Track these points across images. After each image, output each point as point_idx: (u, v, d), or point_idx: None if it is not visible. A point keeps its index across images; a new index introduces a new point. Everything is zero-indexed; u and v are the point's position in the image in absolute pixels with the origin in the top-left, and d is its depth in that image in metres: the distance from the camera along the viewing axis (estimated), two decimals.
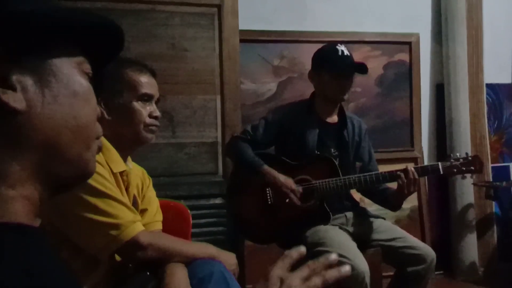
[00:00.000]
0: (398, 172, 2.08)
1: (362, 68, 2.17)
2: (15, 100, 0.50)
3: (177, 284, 1.35)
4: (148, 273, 1.42)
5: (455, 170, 2.16)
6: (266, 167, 2.13)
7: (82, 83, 0.57)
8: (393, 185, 2.17)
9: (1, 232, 0.47)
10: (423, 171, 2.23)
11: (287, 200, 2.12)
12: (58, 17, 0.54)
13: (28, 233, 0.49)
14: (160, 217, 1.65)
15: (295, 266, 0.75)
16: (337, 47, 2.16)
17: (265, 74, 3.07)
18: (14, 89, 0.50)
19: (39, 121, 0.51)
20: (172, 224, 1.81)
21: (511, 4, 3.53)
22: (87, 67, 0.59)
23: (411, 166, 2.11)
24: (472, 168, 2.16)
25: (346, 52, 2.15)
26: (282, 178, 2.12)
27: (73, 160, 0.55)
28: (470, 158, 2.17)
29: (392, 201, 2.22)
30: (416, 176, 2.07)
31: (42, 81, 0.52)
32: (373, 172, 2.16)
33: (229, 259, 1.52)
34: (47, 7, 0.54)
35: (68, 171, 0.56)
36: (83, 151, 0.56)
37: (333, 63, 2.13)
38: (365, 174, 2.15)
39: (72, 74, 0.56)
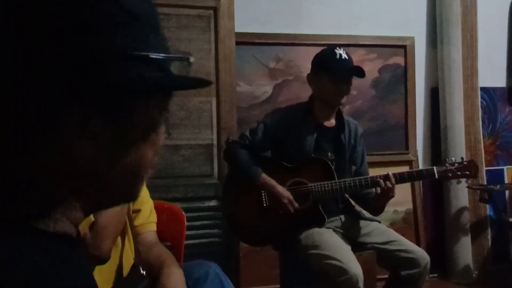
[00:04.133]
0: (378, 179, 2.10)
1: (359, 72, 2.18)
2: (87, 148, 0.49)
3: (174, 284, 1.35)
4: (142, 272, 1.42)
5: (450, 174, 2.18)
6: (263, 177, 2.14)
7: (156, 127, 0.55)
8: None
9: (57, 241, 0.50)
10: (418, 175, 2.25)
11: (281, 211, 2.14)
12: (167, 85, 0.54)
13: (73, 243, 0.53)
14: (154, 218, 1.65)
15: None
16: (336, 50, 2.16)
17: (260, 77, 3.07)
18: (90, 137, 0.49)
19: (101, 166, 0.51)
20: (167, 226, 1.81)
21: (505, 8, 3.55)
22: (167, 103, 0.57)
23: (392, 172, 2.12)
24: (467, 172, 2.18)
25: (344, 56, 2.14)
26: (279, 189, 2.13)
27: (123, 194, 0.57)
28: (465, 162, 2.19)
29: (372, 206, 2.24)
30: (392, 183, 2.08)
31: (118, 128, 0.51)
32: (358, 177, 2.17)
33: None
34: (159, 74, 0.52)
35: (115, 201, 0.58)
36: (136, 186, 0.57)
37: (331, 67, 2.13)
38: (352, 179, 2.17)
39: (150, 120, 0.54)
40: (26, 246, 0.47)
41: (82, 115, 0.48)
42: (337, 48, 2.18)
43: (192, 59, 0.58)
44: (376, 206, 2.22)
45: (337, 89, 2.14)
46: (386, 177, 2.10)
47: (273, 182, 2.14)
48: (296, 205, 2.13)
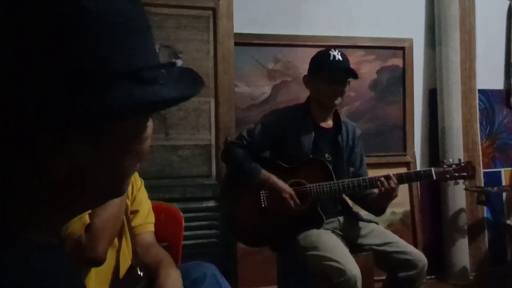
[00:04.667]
0: (382, 178, 2.10)
1: (352, 73, 2.18)
2: (60, 167, 0.48)
3: (171, 286, 1.35)
4: (140, 273, 1.42)
5: (447, 175, 2.18)
6: (263, 172, 2.13)
7: (139, 138, 0.54)
8: None
9: (32, 249, 0.50)
10: (416, 176, 2.24)
11: (282, 209, 2.12)
12: (148, 105, 0.50)
13: (52, 250, 0.53)
14: (152, 219, 1.65)
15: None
16: (330, 52, 2.17)
17: (259, 77, 3.07)
18: (66, 156, 0.48)
19: (81, 179, 0.51)
20: (165, 226, 1.81)
21: (503, 10, 3.56)
22: (151, 116, 0.56)
23: (392, 173, 2.12)
24: (465, 174, 2.18)
25: (338, 57, 2.15)
26: (281, 183, 2.13)
27: (106, 195, 0.57)
28: (463, 164, 2.19)
29: (374, 206, 2.24)
30: (395, 183, 2.08)
31: (97, 145, 0.50)
32: (357, 178, 2.17)
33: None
34: (141, 96, 0.49)
35: (98, 203, 0.59)
36: (120, 186, 0.57)
37: (324, 68, 2.15)
38: (350, 180, 2.17)
39: (132, 133, 0.53)
40: (5, 256, 0.47)
41: (58, 136, 0.47)
42: (332, 49, 2.19)
43: (179, 63, 0.56)
44: (378, 207, 2.23)
45: (330, 89, 2.15)
46: (387, 177, 2.10)
47: (274, 177, 2.13)
48: (298, 200, 2.12)
